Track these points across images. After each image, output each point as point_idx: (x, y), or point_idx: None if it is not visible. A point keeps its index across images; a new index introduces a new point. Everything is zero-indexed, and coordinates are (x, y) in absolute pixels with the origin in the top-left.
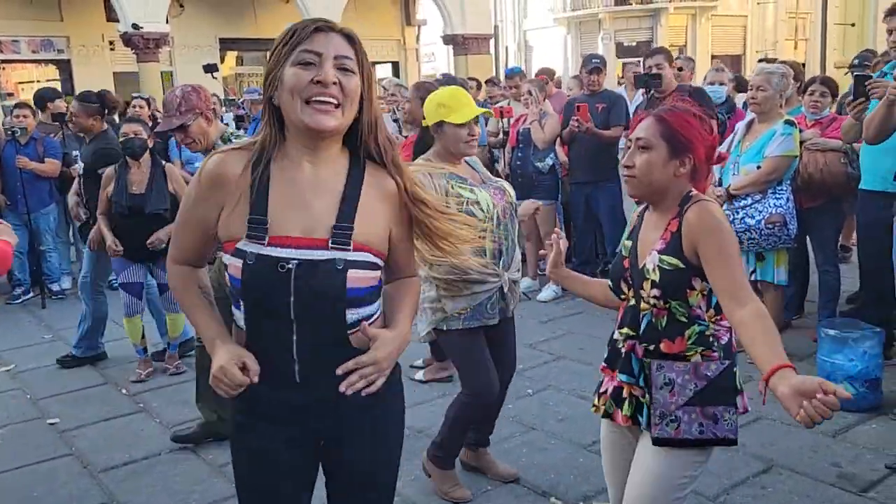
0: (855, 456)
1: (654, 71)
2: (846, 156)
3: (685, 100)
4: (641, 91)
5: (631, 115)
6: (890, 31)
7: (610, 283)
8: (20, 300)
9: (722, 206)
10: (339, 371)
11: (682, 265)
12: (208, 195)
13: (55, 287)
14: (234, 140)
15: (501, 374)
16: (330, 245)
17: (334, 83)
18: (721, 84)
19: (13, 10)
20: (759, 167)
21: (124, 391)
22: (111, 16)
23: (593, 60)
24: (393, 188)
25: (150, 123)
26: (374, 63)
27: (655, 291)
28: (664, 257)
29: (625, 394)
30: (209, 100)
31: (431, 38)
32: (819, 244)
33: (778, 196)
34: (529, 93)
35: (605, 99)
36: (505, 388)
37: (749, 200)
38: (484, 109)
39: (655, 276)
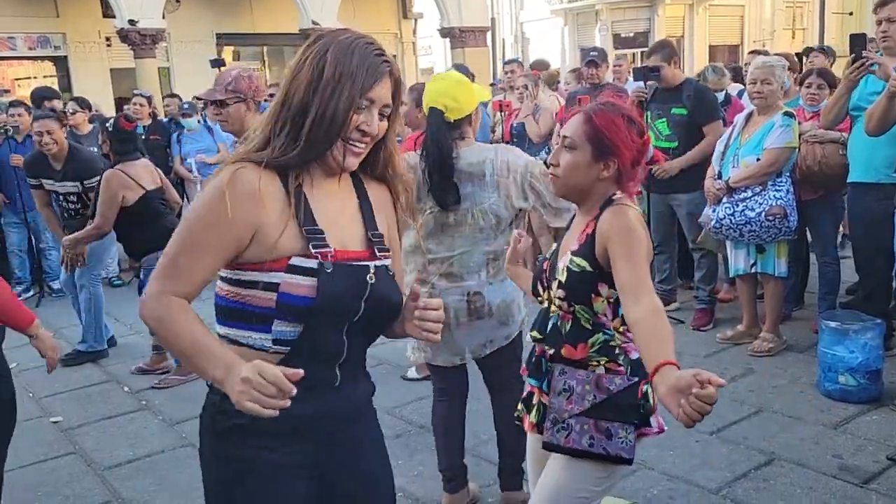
0: (857, 447)
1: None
2: (844, 147)
3: (619, 96)
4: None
5: None
6: (879, 22)
7: (532, 283)
8: (20, 298)
9: (722, 199)
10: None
11: (589, 268)
12: (242, 215)
13: (55, 285)
14: None
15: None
16: (377, 253)
17: (375, 134)
18: (721, 90)
19: (9, 7)
20: (758, 159)
21: (126, 389)
22: (107, 12)
23: (591, 53)
24: (387, 196)
25: (151, 122)
26: None
27: (561, 293)
28: (574, 258)
29: (534, 399)
30: (259, 90)
31: (428, 31)
32: (818, 236)
33: (778, 188)
34: (525, 87)
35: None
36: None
37: (749, 193)
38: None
39: (563, 277)
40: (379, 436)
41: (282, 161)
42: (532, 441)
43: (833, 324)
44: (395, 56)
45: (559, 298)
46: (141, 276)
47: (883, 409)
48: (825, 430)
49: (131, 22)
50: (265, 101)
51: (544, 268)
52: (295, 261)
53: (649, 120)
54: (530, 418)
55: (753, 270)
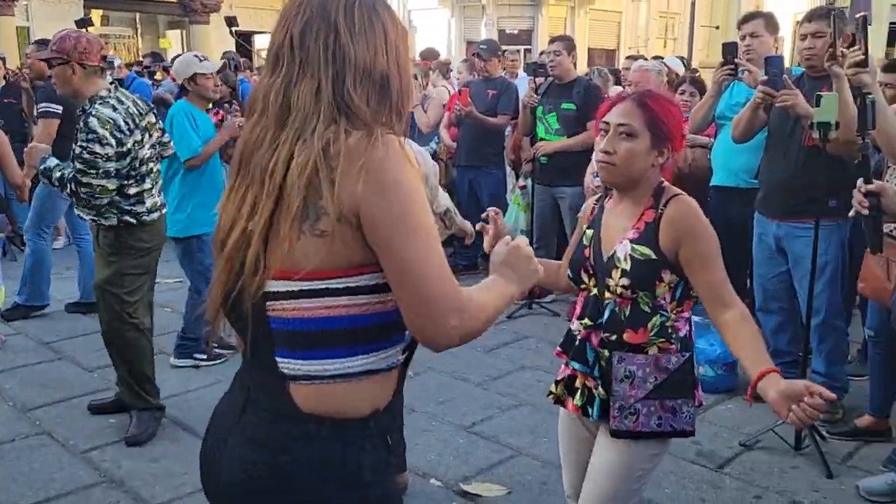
0: (713, 434)
1: (552, 58)
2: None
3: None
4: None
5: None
6: (743, 37)
7: (569, 272)
8: None
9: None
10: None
11: (654, 255)
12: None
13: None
14: (110, 101)
15: None
16: None
17: None
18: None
19: None
20: None
21: None
22: None
23: (479, 46)
24: None
25: (5, 84)
26: (254, 32)
27: (625, 281)
28: (637, 246)
29: (577, 383)
30: (87, 54)
31: None
32: None
33: None
34: (414, 76)
35: (497, 86)
36: None
37: None
38: None
39: (626, 265)
40: None
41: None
42: (569, 421)
43: (696, 318)
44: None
45: (622, 287)
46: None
47: (737, 399)
48: None
49: None
50: (135, 71)
51: (586, 255)
52: None
53: (541, 114)
54: (574, 401)
55: None
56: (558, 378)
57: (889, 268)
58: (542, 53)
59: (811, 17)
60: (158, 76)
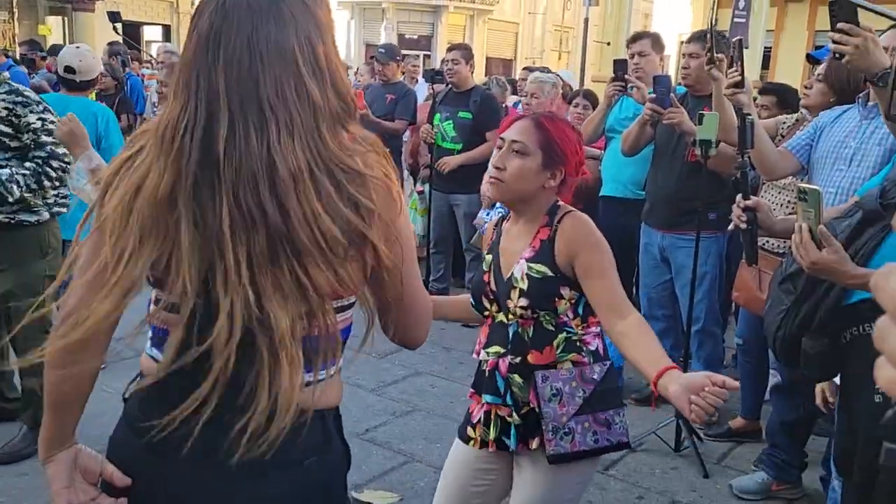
0: None
1: (450, 66)
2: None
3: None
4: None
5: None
6: (632, 56)
7: (472, 300)
8: None
9: (496, 203)
10: None
11: (550, 273)
12: None
13: None
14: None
15: None
16: None
17: None
18: (503, 104)
19: None
20: None
21: None
22: None
23: (378, 50)
24: None
25: None
26: (143, 23)
27: (524, 301)
28: (533, 265)
29: (492, 416)
30: None
31: None
32: None
33: None
34: None
35: (396, 91)
36: None
37: None
38: None
39: (524, 285)
40: None
41: None
42: (467, 454)
43: None
44: (169, 26)
45: (521, 308)
46: None
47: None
48: None
49: None
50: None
51: (486, 280)
52: None
53: (438, 121)
54: (491, 436)
55: None
56: (474, 420)
57: (761, 279)
58: (443, 62)
59: (690, 38)
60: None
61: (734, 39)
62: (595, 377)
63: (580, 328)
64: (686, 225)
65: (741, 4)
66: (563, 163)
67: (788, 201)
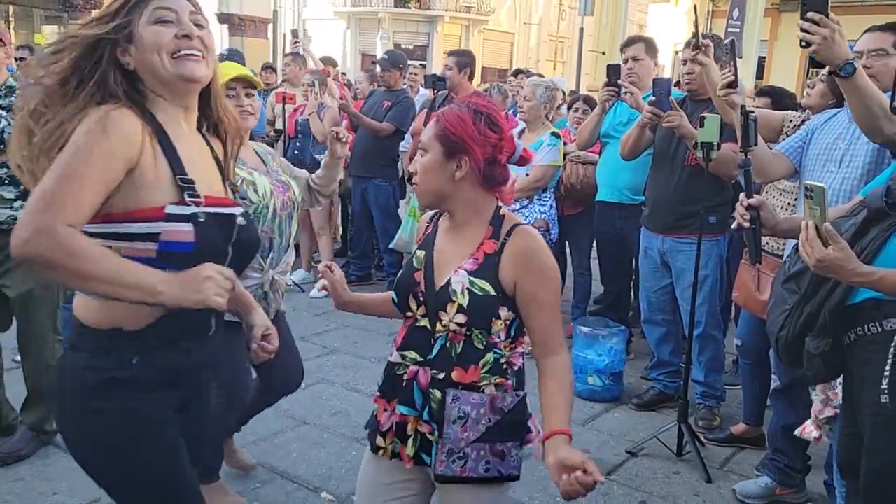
0: (601, 442)
1: (444, 72)
2: None
3: (479, 96)
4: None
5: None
6: (625, 61)
7: (395, 296)
8: None
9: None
10: None
11: (493, 292)
12: (118, 151)
13: None
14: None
15: (277, 376)
16: (236, 200)
17: (197, 36)
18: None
19: None
20: (527, 174)
21: None
22: None
23: (382, 56)
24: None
25: None
26: None
27: (461, 318)
28: (476, 280)
29: (409, 430)
30: None
31: (206, 14)
32: (576, 248)
33: (542, 202)
34: (312, 84)
35: (394, 98)
36: (282, 393)
37: (517, 205)
38: (252, 75)
39: (464, 300)
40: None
41: (137, 99)
42: (378, 465)
43: (585, 329)
44: None
45: (457, 324)
46: None
47: (623, 407)
48: (574, 426)
49: None
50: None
51: (416, 280)
52: (171, 209)
53: None
54: (407, 451)
55: None
56: (384, 429)
57: (759, 279)
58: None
59: (629, 42)
60: None
61: (727, 41)
62: (504, 408)
63: (508, 349)
64: (686, 228)
65: (735, 14)
66: (463, 149)
67: (789, 203)
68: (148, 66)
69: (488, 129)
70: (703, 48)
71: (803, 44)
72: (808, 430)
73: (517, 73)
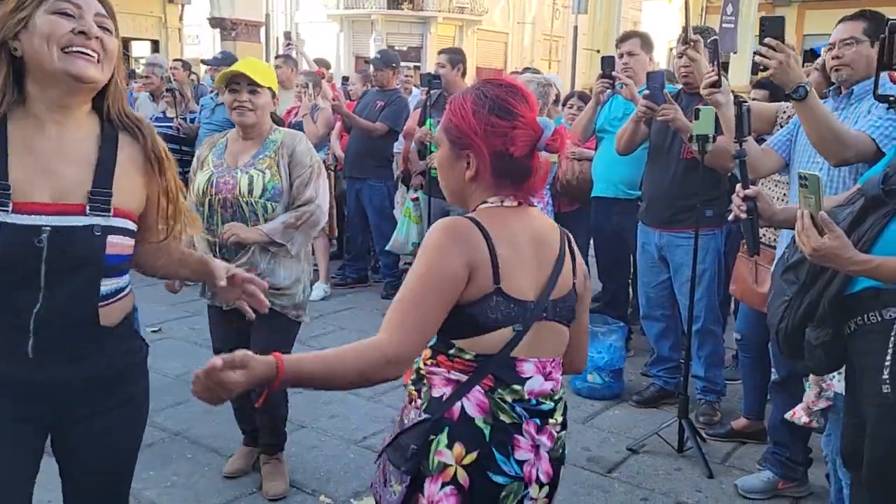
0: (602, 440)
1: (438, 70)
2: None
3: (495, 75)
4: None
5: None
6: (621, 56)
7: None
8: None
9: None
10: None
11: None
12: None
13: None
14: None
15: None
16: (88, 210)
17: (97, 37)
18: None
19: None
20: None
21: None
22: None
23: (375, 56)
24: (140, 154)
25: None
26: (132, 39)
27: None
28: None
29: None
30: None
31: (197, 18)
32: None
33: (538, 200)
34: (305, 85)
35: (387, 97)
36: None
37: None
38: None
39: None
40: (127, 407)
41: (1, 99)
42: None
43: None
44: (157, 41)
45: None
46: None
47: (623, 405)
48: (575, 424)
49: None
50: None
51: None
52: None
53: (430, 126)
54: None
55: None
56: None
57: (757, 272)
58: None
59: (624, 37)
60: None
61: (710, 40)
62: (405, 422)
63: (427, 360)
64: (683, 223)
65: (729, 10)
66: (467, 144)
67: (784, 194)
68: (35, 56)
69: (494, 117)
70: (693, 43)
71: (761, 67)
72: (797, 414)
73: (525, 71)
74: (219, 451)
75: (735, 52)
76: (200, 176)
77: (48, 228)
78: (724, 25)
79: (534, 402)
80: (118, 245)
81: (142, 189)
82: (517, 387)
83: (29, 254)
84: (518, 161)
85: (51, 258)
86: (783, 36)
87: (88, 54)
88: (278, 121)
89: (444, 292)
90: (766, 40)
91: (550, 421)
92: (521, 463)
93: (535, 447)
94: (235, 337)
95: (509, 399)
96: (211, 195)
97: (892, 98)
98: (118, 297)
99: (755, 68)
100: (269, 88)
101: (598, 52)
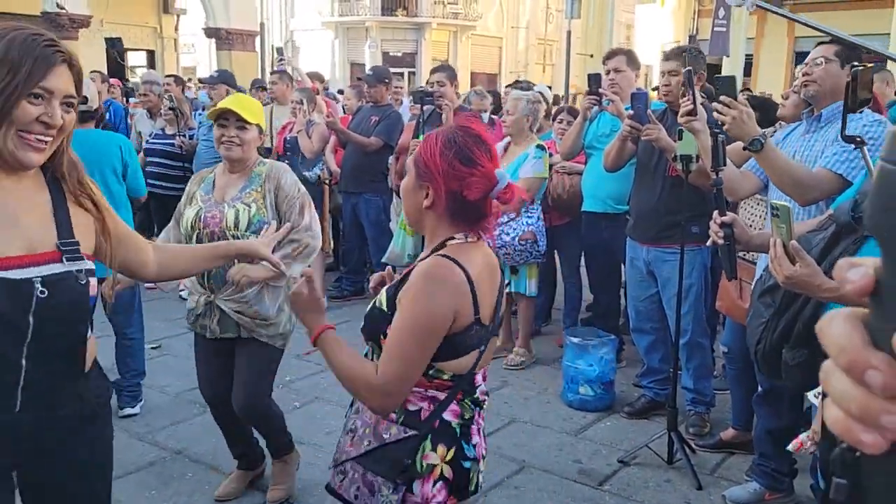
0: (593, 452)
1: (436, 89)
2: None
3: (469, 120)
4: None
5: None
6: (608, 72)
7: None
8: None
9: None
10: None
11: (386, 308)
12: None
13: None
14: None
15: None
16: (65, 259)
17: (56, 126)
18: (484, 111)
19: None
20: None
21: None
22: None
23: (367, 73)
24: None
25: None
26: (128, 49)
27: (364, 328)
28: (382, 295)
29: None
30: None
31: (192, 28)
32: (565, 258)
33: (530, 215)
34: (300, 102)
35: (381, 113)
36: (237, 413)
37: (505, 218)
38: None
39: (368, 310)
40: (95, 462)
41: None
42: None
43: (576, 339)
44: (153, 51)
45: (363, 332)
46: None
47: (615, 416)
48: (567, 437)
49: None
50: None
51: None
52: None
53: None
54: None
55: (508, 290)
56: None
57: (741, 287)
58: (429, 83)
59: (668, 56)
60: None
61: (684, 70)
62: (385, 437)
63: None
64: (670, 239)
65: (721, 13)
66: (429, 178)
67: (766, 212)
68: None
69: (457, 162)
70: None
71: (719, 122)
72: (805, 445)
73: (516, 84)
74: (219, 470)
75: (728, 56)
76: (189, 211)
77: (37, 279)
78: (716, 29)
79: (482, 398)
80: (94, 286)
81: (91, 228)
82: (476, 393)
83: (16, 311)
84: (470, 204)
85: (39, 309)
86: (735, 94)
87: (41, 144)
88: (263, 153)
89: (432, 338)
90: (721, 98)
91: (485, 406)
92: (475, 446)
93: (479, 430)
94: (219, 366)
95: (469, 402)
96: (199, 229)
97: (858, 139)
98: (89, 337)
99: (748, 70)
100: (257, 125)
101: (592, 56)
